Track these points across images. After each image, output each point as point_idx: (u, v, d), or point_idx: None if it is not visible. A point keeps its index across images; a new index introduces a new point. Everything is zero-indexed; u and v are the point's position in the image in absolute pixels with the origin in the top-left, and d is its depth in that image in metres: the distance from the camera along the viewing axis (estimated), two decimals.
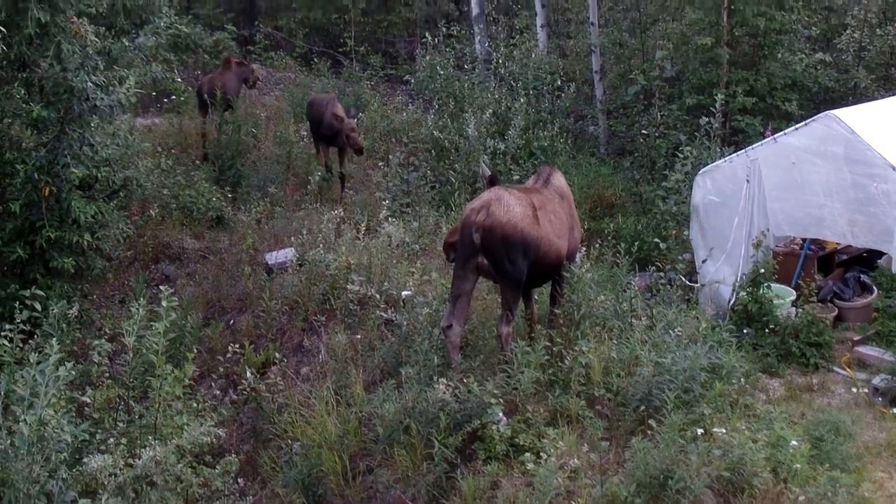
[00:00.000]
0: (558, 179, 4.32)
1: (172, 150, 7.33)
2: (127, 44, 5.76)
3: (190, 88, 9.05)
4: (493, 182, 4.36)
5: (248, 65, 8.39)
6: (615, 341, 3.96)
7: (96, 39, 4.58)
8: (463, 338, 4.06)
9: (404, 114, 8.85)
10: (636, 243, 5.15)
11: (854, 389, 4.26)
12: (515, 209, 3.84)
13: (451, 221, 5.99)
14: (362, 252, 5.22)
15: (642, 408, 3.63)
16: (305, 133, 7.91)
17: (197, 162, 7.44)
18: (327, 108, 6.81)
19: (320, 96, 7.51)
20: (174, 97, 8.93)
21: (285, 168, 7.39)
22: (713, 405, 3.58)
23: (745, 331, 4.66)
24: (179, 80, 8.10)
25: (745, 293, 4.78)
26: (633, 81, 8.09)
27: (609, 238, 5.36)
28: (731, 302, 4.84)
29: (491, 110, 7.81)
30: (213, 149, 7.43)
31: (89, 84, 4.47)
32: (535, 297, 4.40)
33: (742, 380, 3.85)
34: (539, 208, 3.96)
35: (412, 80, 8.71)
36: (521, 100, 8.05)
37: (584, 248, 4.94)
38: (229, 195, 6.78)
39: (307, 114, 7.39)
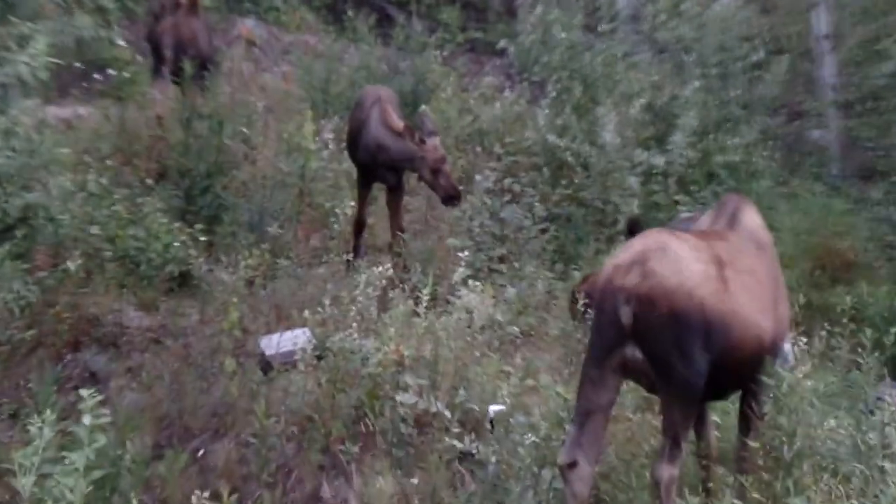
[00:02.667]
0: (752, 218, 4.32)
1: (108, 162, 7.45)
2: None
3: (140, 59, 9.38)
4: (634, 226, 4.46)
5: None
6: (856, 502, 3.79)
7: None
8: (594, 486, 4.06)
9: (497, 105, 9.10)
10: (893, 331, 4.95)
11: None
12: (690, 266, 3.85)
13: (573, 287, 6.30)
14: (423, 338, 5.25)
15: None
16: (333, 139, 8.32)
17: (149, 181, 7.53)
18: (371, 112, 6.84)
19: (371, 90, 7.50)
20: (114, 72, 9.13)
21: (297, 195, 7.61)
22: None
23: None
24: (123, 43, 7.93)
25: None
26: (889, 54, 8.25)
27: (844, 320, 5.10)
28: None
29: (643, 101, 8.03)
30: (178, 157, 7.55)
31: None
32: (715, 417, 4.42)
33: None
34: (727, 264, 3.97)
35: (511, 50, 9.02)
36: (695, 83, 8.24)
37: (799, 336, 4.93)
38: (202, 238, 6.85)
39: (350, 120, 7.32)
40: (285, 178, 7.69)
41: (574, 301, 4.60)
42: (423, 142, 6.48)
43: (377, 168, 6.80)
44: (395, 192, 7.00)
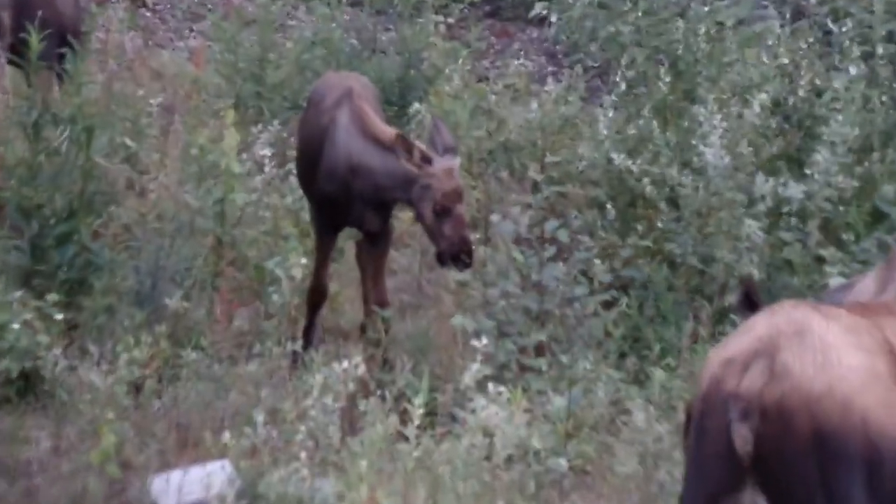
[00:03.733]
0: None
1: None
2: None
3: None
4: (754, 296, 4.51)
5: None
6: None
7: None
8: None
9: (533, 105, 9.15)
10: None
11: None
12: (845, 359, 3.85)
13: (653, 395, 6.34)
14: (413, 478, 5.30)
15: None
16: (272, 157, 8.35)
17: None
18: (338, 115, 6.96)
19: (336, 80, 7.63)
20: None
21: (212, 247, 7.72)
22: None
23: None
24: None
25: None
26: None
27: None
28: None
29: (768, 97, 8.06)
30: (19, 186, 7.52)
31: None
32: None
33: None
34: None
35: (553, 22, 9.31)
36: (851, 70, 8.27)
37: None
38: (58, 316, 6.86)
39: (302, 127, 7.58)
40: (194, 220, 7.72)
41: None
42: (427, 161, 6.58)
43: (350, 203, 6.91)
44: (377, 243, 7.13)
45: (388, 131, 6.76)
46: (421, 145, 6.73)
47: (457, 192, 6.65)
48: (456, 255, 6.67)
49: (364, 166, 6.81)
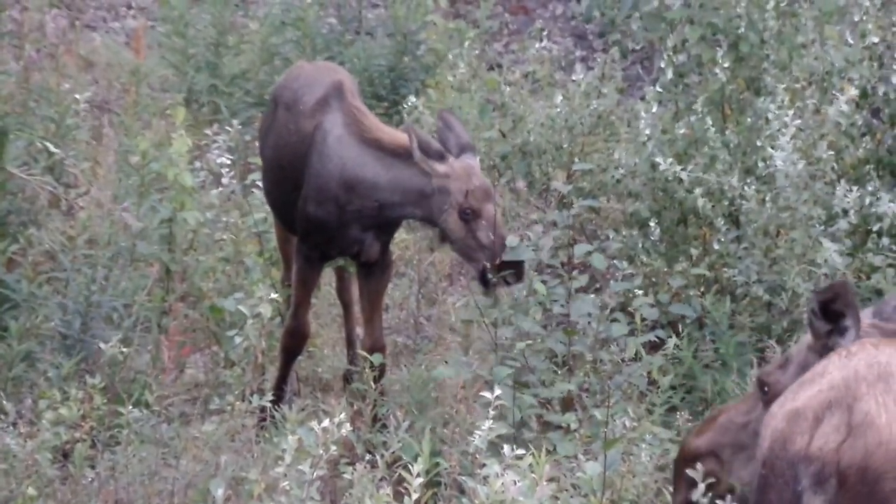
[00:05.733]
0: None
1: None
2: None
3: None
4: (834, 306, 4.58)
5: None
6: None
7: None
8: None
9: (558, 98, 9.18)
10: None
11: None
12: None
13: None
14: None
15: None
16: (232, 166, 8.43)
17: None
18: (323, 118, 7.06)
19: (313, 72, 7.75)
20: None
21: (159, 277, 7.81)
22: None
23: None
24: None
25: None
26: None
27: None
28: None
29: (849, 85, 8.05)
30: None
31: None
32: None
33: None
34: None
35: None
36: None
37: None
38: None
39: (270, 132, 7.63)
40: (135, 245, 7.75)
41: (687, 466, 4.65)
42: (440, 158, 6.76)
43: (344, 228, 7.03)
44: (373, 273, 7.24)
45: (395, 135, 6.87)
46: (434, 141, 6.84)
47: (483, 189, 6.82)
48: (502, 266, 6.72)
49: (364, 181, 6.91)
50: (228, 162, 8.42)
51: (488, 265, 6.73)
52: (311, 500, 5.47)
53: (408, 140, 6.74)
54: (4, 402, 6.49)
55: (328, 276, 7.81)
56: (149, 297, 7.64)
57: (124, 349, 7.06)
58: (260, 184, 8.00)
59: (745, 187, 7.76)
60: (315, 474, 5.45)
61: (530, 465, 5.43)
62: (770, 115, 7.81)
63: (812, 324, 4.78)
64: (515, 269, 6.79)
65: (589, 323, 7.10)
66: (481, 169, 8.45)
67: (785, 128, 7.64)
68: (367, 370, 6.87)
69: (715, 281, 7.86)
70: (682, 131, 8.19)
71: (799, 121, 7.76)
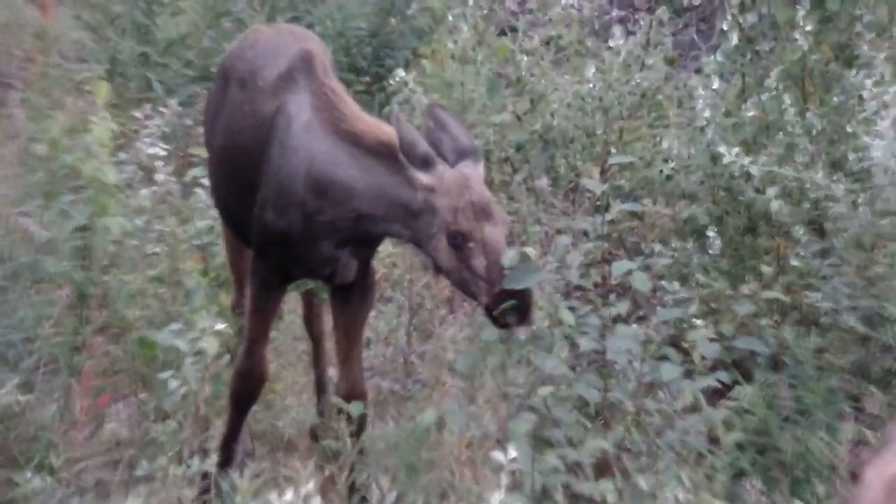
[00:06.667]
0: None
1: None
2: None
3: None
4: None
5: None
6: None
7: None
8: None
9: (590, 70, 9.23)
10: None
11: None
12: None
13: None
14: None
15: None
16: (168, 158, 8.36)
17: None
18: (287, 99, 6.91)
19: (273, 36, 7.67)
20: None
21: (71, 303, 7.58)
22: None
23: None
24: None
25: None
26: None
27: None
28: None
29: None
30: None
31: None
32: None
33: None
34: None
35: None
36: None
37: None
38: None
39: (223, 116, 7.49)
40: (40, 261, 7.65)
41: None
42: (425, 165, 6.37)
43: (312, 242, 6.77)
44: (350, 299, 7.13)
45: (377, 127, 6.59)
46: (421, 140, 6.53)
47: (479, 206, 6.36)
48: (502, 296, 6.31)
49: (336, 184, 6.61)
50: (163, 153, 8.33)
51: (491, 303, 6.41)
52: None
53: (395, 134, 6.50)
54: None
55: (292, 303, 7.80)
56: (56, 329, 7.50)
57: (22, 397, 7.06)
58: (205, 182, 8.11)
59: (833, 185, 7.72)
60: None
61: None
62: (864, 93, 7.74)
63: None
64: (518, 303, 6.34)
65: (630, 362, 6.79)
66: (488, 161, 8.67)
67: (884, 109, 7.63)
68: (342, 424, 6.86)
69: (794, 307, 7.74)
70: (750, 114, 8.03)
71: None
